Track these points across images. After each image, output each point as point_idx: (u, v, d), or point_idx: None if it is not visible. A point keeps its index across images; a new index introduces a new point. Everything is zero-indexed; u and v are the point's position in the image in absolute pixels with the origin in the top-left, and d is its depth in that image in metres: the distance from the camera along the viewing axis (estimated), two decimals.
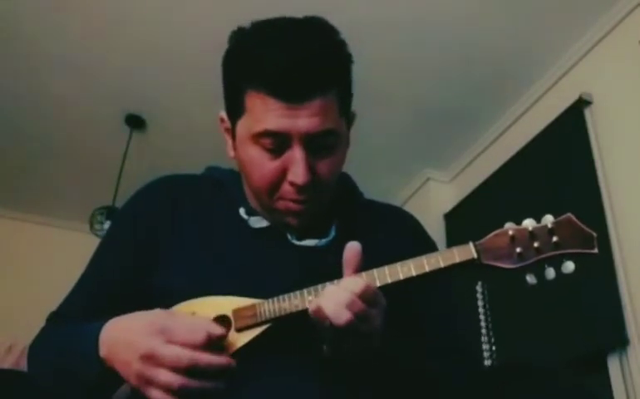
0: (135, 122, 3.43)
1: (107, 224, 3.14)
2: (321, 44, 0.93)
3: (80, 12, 2.80)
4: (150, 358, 0.81)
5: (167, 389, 0.80)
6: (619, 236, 2.47)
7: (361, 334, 0.80)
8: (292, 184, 0.93)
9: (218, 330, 0.83)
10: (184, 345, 0.81)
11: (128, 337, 0.84)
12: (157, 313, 0.86)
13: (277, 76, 0.89)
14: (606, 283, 2.39)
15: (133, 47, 2.98)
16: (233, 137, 0.99)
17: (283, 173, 0.93)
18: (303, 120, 0.90)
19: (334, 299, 0.79)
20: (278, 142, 0.91)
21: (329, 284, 0.84)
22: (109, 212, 3.28)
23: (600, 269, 2.37)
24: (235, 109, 0.96)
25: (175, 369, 0.80)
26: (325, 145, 0.94)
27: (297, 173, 0.91)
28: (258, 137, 0.92)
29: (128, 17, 2.82)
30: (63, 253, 3.70)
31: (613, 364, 2.41)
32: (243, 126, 0.95)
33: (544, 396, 0.85)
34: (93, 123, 3.47)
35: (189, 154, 3.16)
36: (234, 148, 1.00)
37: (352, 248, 0.85)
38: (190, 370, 0.80)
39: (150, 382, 0.81)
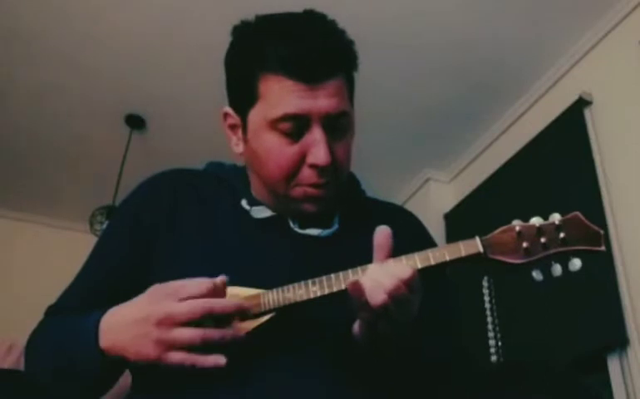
0: (135, 122, 3.43)
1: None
2: (330, 30, 0.96)
3: (80, 12, 2.81)
4: (167, 320, 0.82)
5: (189, 346, 0.81)
6: (619, 236, 2.47)
7: (396, 319, 0.81)
8: (313, 166, 0.93)
9: (218, 279, 0.84)
10: (197, 296, 0.82)
11: (136, 314, 0.84)
12: (155, 286, 0.87)
13: (295, 58, 0.90)
14: (606, 283, 2.39)
15: (133, 47, 2.98)
16: (244, 129, 0.99)
17: (301, 158, 0.93)
18: (322, 100, 0.91)
19: (375, 278, 0.80)
20: (297, 125, 0.92)
21: (359, 269, 0.84)
22: (109, 212, 3.28)
23: (600, 269, 2.37)
24: (247, 97, 0.96)
25: (193, 323, 0.81)
26: (341, 126, 0.95)
27: (319, 154, 0.91)
28: (276, 122, 0.92)
29: (128, 16, 2.83)
30: (63, 253, 3.70)
31: (613, 364, 2.41)
32: (258, 114, 0.94)
33: (544, 396, 0.85)
34: (93, 123, 3.47)
35: (189, 154, 3.15)
36: (245, 141, 0.99)
37: (383, 232, 0.84)
38: (207, 318, 0.81)
39: (171, 345, 0.82)
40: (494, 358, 2.92)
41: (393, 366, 0.89)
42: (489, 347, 2.94)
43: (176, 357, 0.82)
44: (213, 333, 0.82)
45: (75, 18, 2.84)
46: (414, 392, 0.91)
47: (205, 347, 0.81)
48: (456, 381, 0.96)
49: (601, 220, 2.47)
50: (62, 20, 2.84)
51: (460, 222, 3.43)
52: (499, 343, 2.93)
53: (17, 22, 2.85)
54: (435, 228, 3.35)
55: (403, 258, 0.84)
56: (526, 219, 0.88)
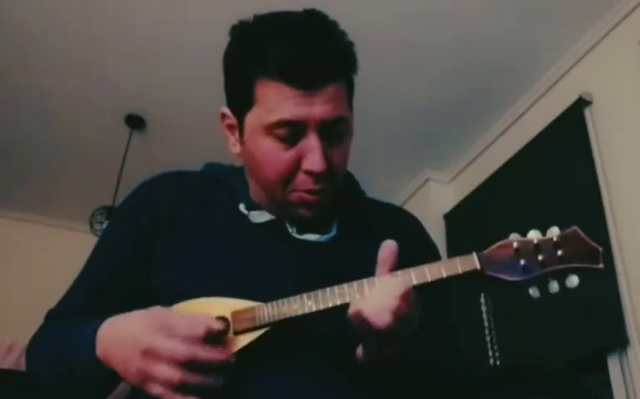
0: (135, 122, 3.43)
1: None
2: (330, 33, 0.94)
3: (80, 12, 2.80)
4: (151, 353, 0.81)
5: (167, 384, 0.80)
6: (619, 236, 2.47)
7: (400, 337, 0.80)
8: (308, 172, 0.92)
9: (217, 325, 0.83)
10: (185, 339, 0.81)
11: (128, 335, 0.84)
12: (156, 310, 0.86)
13: (292, 63, 0.89)
14: (606, 283, 2.38)
15: (133, 47, 2.98)
16: (241, 132, 0.98)
17: (297, 163, 0.92)
18: (318, 107, 0.90)
19: (375, 302, 0.78)
20: (292, 131, 0.91)
21: (355, 284, 0.82)
22: (109, 212, 3.28)
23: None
24: (243, 101, 0.95)
25: (175, 364, 0.80)
26: (337, 132, 0.94)
27: (314, 160, 0.90)
28: (271, 128, 0.91)
29: (128, 17, 2.82)
30: (63, 253, 3.69)
31: (613, 364, 2.41)
32: (254, 118, 0.94)
33: (544, 397, 0.85)
34: (93, 123, 3.47)
35: (189, 154, 3.16)
36: (241, 143, 0.99)
37: (389, 247, 0.83)
38: (190, 364, 0.80)
39: (150, 378, 0.81)
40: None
41: (393, 375, 0.88)
42: (486, 353, 2.94)
43: (156, 389, 0.81)
44: (191, 378, 0.80)
45: (75, 19, 2.83)
46: (414, 395, 0.90)
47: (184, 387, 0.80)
48: (456, 382, 0.95)
49: (601, 220, 2.47)
50: (63, 21, 2.84)
51: (460, 222, 3.42)
52: (497, 354, 2.92)
53: (17, 22, 2.85)
54: (435, 228, 3.35)
55: (399, 273, 0.83)
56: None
